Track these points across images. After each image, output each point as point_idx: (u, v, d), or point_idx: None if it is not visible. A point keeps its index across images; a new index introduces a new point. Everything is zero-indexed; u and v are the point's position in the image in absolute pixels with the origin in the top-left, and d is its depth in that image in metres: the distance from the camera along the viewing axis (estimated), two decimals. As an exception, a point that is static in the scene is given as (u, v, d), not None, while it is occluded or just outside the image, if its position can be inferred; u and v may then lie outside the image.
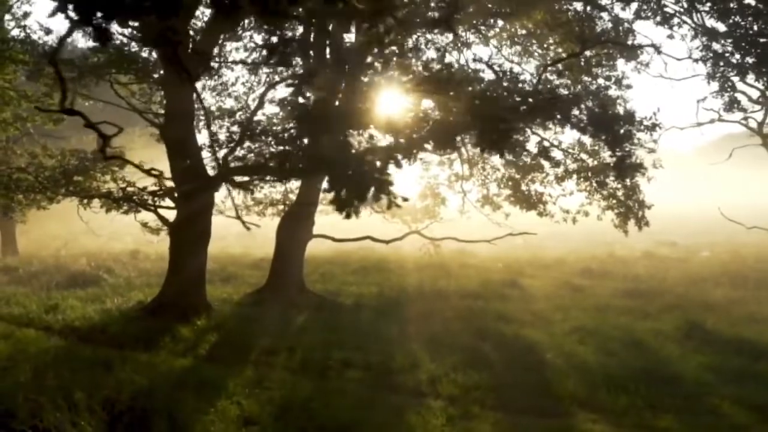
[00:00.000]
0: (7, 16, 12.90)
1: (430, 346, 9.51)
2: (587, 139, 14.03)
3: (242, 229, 14.81)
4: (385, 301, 13.69)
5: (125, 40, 13.01)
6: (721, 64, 12.38)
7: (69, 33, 8.54)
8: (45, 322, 11.09)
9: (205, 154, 12.17)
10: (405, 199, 3.62)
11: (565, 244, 26.34)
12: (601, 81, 15.44)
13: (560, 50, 15.98)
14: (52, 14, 3.19)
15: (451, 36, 14.02)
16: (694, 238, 29.65)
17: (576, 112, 10.82)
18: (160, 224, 13.38)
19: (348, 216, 3.48)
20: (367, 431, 6.21)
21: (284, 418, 6.43)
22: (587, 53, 15.35)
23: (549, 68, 14.26)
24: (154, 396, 6.80)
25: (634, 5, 13.76)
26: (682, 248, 25.29)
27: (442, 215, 20.24)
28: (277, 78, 17.34)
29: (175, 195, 11.67)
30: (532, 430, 6.39)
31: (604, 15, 14.31)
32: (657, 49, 14.34)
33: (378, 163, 3.40)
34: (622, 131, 10.62)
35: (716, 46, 12.36)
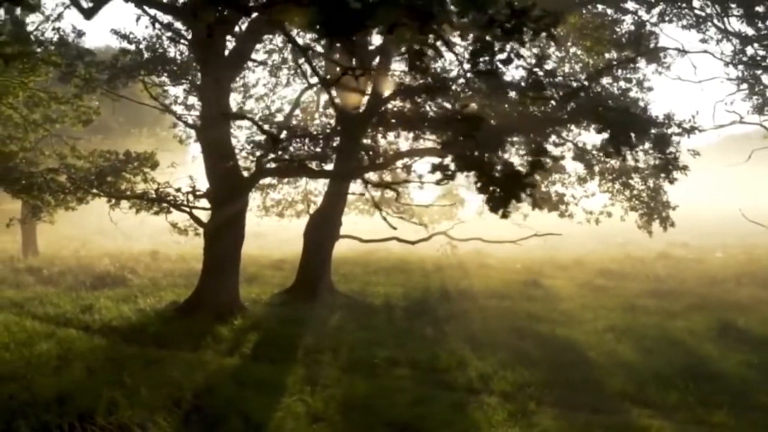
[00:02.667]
0: (39, 17, 12.90)
1: (471, 345, 9.64)
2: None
3: (256, 230, 14.83)
4: (413, 301, 13.79)
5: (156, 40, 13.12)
6: (753, 67, 12.55)
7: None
8: (83, 322, 11.17)
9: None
10: (544, 199, 3.71)
11: (580, 245, 26.50)
12: (622, 83, 15.58)
13: (579, 52, 16.14)
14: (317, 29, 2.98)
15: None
16: (705, 239, 29.83)
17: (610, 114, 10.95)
18: (189, 225, 13.47)
19: (504, 216, 3.55)
20: (433, 427, 6.34)
21: (349, 415, 6.56)
22: (606, 55, 15.50)
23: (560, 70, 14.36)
24: (216, 394, 6.92)
25: (659, 8, 13.88)
26: (695, 249, 25.46)
27: (460, 216, 20.36)
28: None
29: (212, 196, 11.74)
30: (594, 426, 6.51)
31: (628, 18, 14.45)
32: (683, 52, 14.46)
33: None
34: (668, 133, 10.78)
35: (750, 50, 12.54)
